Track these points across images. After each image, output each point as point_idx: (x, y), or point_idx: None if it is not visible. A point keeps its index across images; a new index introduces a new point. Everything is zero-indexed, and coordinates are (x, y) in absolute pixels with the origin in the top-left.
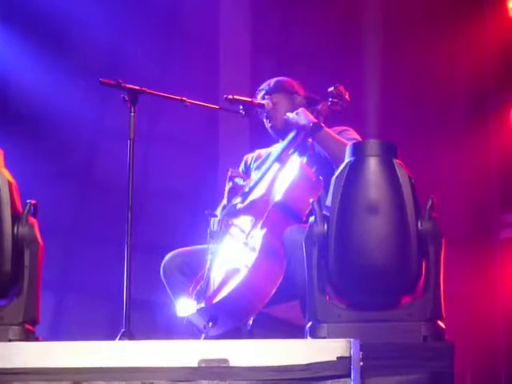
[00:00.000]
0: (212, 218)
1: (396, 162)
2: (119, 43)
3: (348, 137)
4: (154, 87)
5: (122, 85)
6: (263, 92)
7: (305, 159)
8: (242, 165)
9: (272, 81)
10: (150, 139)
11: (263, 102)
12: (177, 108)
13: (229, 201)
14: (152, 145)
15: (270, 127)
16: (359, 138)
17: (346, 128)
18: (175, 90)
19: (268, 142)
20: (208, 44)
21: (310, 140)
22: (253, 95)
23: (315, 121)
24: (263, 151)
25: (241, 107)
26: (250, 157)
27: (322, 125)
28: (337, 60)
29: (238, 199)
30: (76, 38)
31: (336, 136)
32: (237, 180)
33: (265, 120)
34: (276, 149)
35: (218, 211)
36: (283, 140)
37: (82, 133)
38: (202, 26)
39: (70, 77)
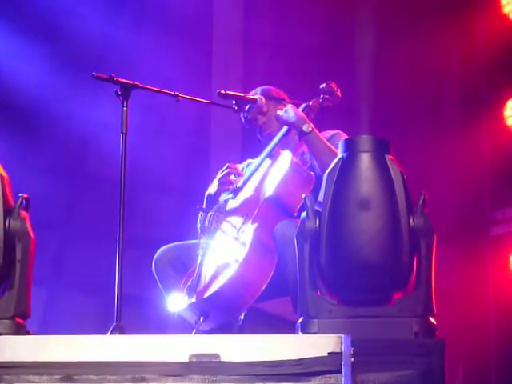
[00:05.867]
0: (201, 213)
1: (388, 157)
2: (112, 37)
3: (338, 142)
4: (146, 82)
5: (115, 79)
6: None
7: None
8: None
9: (259, 89)
10: (143, 133)
11: (256, 97)
12: (169, 102)
13: (219, 193)
14: (144, 139)
15: (262, 124)
16: None
17: (337, 132)
18: (168, 84)
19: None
20: (201, 39)
21: (297, 137)
22: (245, 90)
23: (303, 116)
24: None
25: (233, 102)
26: (240, 166)
27: (312, 126)
28: (329, 55)
29: (230, 194)
30: (69, 32)
31: (326, 143)
32: (231, 177)
33: (258, 116)
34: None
35: (205, 203)
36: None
37: (74, 127)
38: (195, 21)
39: (63, 71)
